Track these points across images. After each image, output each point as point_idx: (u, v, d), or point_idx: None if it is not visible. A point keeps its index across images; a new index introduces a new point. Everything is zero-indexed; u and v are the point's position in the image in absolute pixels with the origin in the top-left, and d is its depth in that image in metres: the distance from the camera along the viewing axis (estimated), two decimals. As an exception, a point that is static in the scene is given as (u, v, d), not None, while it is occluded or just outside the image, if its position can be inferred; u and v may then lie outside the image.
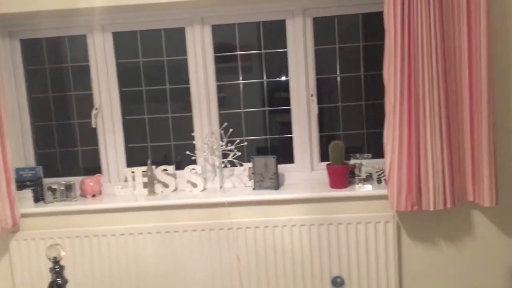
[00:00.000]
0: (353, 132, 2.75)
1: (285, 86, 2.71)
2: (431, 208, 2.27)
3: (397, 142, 2.27)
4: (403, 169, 2.28)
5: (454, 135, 2.29)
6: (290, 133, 2.74)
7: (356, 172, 2.61)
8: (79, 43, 2.77)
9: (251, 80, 2.75)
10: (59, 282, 1.79)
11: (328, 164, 2.57)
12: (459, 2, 2.23)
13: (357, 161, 2.61)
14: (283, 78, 2.73)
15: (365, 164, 2.60)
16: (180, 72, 2.75)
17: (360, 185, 2.56)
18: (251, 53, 2.74)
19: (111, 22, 2.67)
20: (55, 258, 1.78)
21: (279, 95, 2.76)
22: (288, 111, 2.73)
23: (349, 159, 2.62)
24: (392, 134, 2.30)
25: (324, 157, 2.74)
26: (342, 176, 2.52)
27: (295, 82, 2.67)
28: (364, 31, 2.69)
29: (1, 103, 2.43)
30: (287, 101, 2.72)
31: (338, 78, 2.71)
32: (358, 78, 2.72)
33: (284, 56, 2.68)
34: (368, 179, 2.60)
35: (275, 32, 2.70)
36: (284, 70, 2.71)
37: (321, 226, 2.45)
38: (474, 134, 2.29)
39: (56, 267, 1.79)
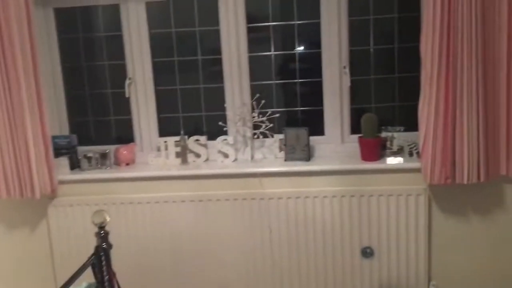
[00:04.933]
0: (384, 105, 2.75)
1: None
2: (465, 182, 2.28)
3: (432, 114, 2.27)
4: (438, 142, 2.28)
5: (490, 109, 2.28)
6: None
7: (388, 145, 2.61)
8: (112, 13, 2.77)
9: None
10: (104, 246, 1.86)
11: (360, 137, 2.58)
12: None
13: (389, 134, 2.61)
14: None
15: (397, 137, 2.60)
16: (211, 43, 2.75)
17: (391, 158, 2.57)
18: (278, 24, 2.72)
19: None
20: (100, 223, 1.85)
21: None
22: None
23: (380, 132, 2.63)
24: (427, 106, 2.29)
25: (353, 129, 2.75)
26: (374, 149, 2.54)
27: (327, 54, 2.66)
28: (398, 2, 2.64)
29: (38, 71, 2.47)
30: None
31: (371, 50, 2.69)
32: (390, 51, 2.69)
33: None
34: (399, 152, 2.60)
35: (305, 3, 2.68)
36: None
37: (352, 197, 2.48)
38: (510, 108, 2.27)
39: (101, 232, 1.86)
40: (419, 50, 2.33)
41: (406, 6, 2.63)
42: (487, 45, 2.23)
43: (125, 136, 2.91)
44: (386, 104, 2.75)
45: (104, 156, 2.75)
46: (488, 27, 2.22)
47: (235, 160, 2.72)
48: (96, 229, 1.88)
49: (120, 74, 2.83)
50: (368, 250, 2.52)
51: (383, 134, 2.62)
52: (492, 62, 2.26)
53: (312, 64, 2.73)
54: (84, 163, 2.71)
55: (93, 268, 1.84)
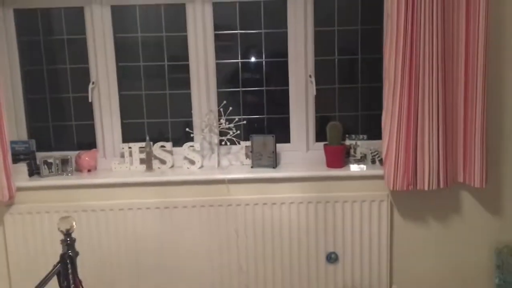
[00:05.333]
0: (347, 113, 2.82)
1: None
2: (426, 188, 2.37)
3: (395, 124, 2.35)
4: (401, 150, 2.37)
5: (449, 119, 2.39)
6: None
7: (351, 152, 2.68)
8: (75, 15, 2.71)
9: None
10: (71, 254, 1.80)
11: (325, 144, 2.64)
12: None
13: (352, 141, 2.69)
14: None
15: (360, 145, 2.68)
16: (178, 49, 2.74)
17: (354, 165, 2.64)
18: (250, 33, 2.75)
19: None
20: (67, 230, 1.79)
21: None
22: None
23: (344, 140, 2.69)
24: (390, 116, 2.38)
25: (317, 137, 2.80)
26: (339, 156, 2.60)
27: (293, 63, 2.71)
28: (361, 15, 2.74)
29: (-3, 74, 2.38)
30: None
31: (336, 60, 2.76)
32: (353, 61, 2.78)
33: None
34: (362, 159, 2.68)
35: (272, 13, 2.72)
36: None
37: (318, 204, 2.53)
38: (467, 119, 2.39)
39: (67, 239, 1.80)
40: (380, 61, 2.41)
41: (368, 19, 2.73)
42: (447, 58, 2.34)
43: (86, 142, 2.84)
44: (349, 113, 2.82)
45: (65, 162, 2.67)
46: (447, 43, 2.34)
47: (201, 167, 2.70)
48: (61, 236, 1.82)
49: (82, 78, 2.76)
50: (333, 255, 2.57)
51: (347, 142, 2.69)
52: (451, 74, 2.38)
53: (278, 73, 2.78)
54: (44, 169, 2.62)
55: (58, 277, 1.77)
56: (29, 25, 2.74)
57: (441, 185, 2.38)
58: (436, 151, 2.34)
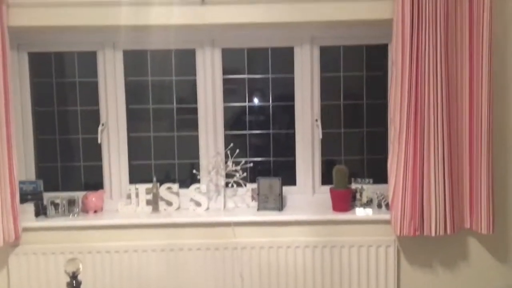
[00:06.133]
0: (353, 157, 2.84)
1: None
2: (433, 234, 2.36)
3: (402, 168, 2.37)
4: (407, 196, 2.37)
5: (454, 165, 2.41)
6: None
7: (357, 196, 2.69)
8: (87, 59, 2.79)
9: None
10: (76, 297, 1.79)
11: (331, 188, 2.65)
12: (462, 36, 2.38)
13: (358, 185, 2.69)
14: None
15: (366, 189, 2.68)
16: (187, 92, 2.80)
17: (361, 209, 2.64)
18: (256, 77, 2.81)
19: (123, 40, 2.70)
20: (73, 272, 1.78)
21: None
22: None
23: (350, 184, 2.70)
24: (396, 161, 2.40)
25: (323, 180, 2.81)
26: (345, 200, 2.60)
27: (300, 107, 2.76)
28: (366, 62, 2.80)
29: (10, 115, 2.43)
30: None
31: (342, 105, 2.81)
32: (358, 106, 2.82)
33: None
34: (368, 203, 2.68)
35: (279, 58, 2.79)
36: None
37: (324, 248, 2.51)
38: (473, 165, 2.41)
39: (73, 281, 1.79)
40: (385, 106, 2.45)
41: (373, 65, 2.79)
42: (452, 104, 2.39)
43: (93, 182, 2.85)
44: (355, 157, 2.84)
45: (71, 202, 2.68)
46: (452, 87, 2.38)
47: (207, 209, 2.71)
48: (67, 279, 1.81)
49: (91, 120, 2.81)
50: (339, 302, 2.53)
51: (353, 186, 2.70)
52: (456, 120, 2.42)
53: (284, 116, 2.82)
54: (50, 209, 2.62)
55: (63, 321, 1.76)
56: (42, 68, 2.81)
57: (448, 231, 2.37)
58: (442, 196, 2.35)
